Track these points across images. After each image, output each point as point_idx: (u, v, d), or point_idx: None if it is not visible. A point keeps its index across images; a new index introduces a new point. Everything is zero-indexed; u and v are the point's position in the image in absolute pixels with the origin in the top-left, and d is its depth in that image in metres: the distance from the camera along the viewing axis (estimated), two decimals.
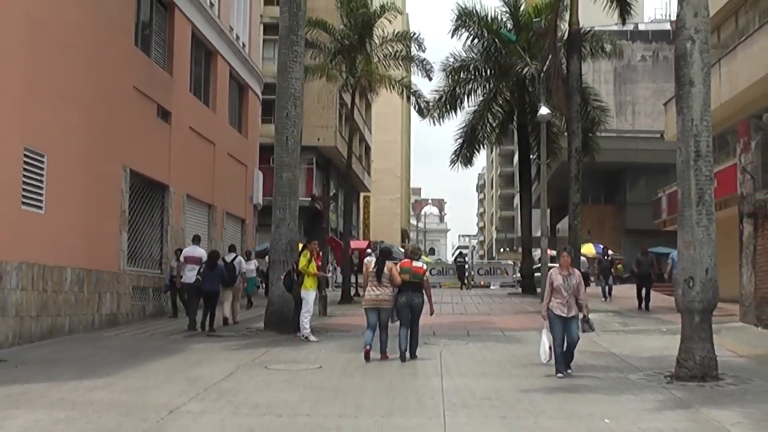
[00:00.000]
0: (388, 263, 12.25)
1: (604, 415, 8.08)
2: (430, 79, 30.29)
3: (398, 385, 9.91)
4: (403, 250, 47.00)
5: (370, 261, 14.95)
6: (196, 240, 18.29)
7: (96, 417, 7.90)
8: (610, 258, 28.23)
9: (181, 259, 17.34)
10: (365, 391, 9.48)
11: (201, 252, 17.20)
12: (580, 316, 10.58)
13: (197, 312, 16.56)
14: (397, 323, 12.20)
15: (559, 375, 10.21)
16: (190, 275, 16.78)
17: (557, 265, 11.04)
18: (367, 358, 11.71)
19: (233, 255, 18.50)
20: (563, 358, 10.35)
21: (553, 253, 39.48)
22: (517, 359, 12.08)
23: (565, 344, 10.46)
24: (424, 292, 12.14)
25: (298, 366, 11.41)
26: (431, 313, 12.41)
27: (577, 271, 10.81)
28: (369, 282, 12.30)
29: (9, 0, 12.90)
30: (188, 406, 8.51)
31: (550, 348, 10.35)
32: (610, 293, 25.15)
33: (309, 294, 14.62)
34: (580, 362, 11.80)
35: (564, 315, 10.31)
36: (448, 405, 8.57)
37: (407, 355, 11.93)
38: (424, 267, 12.58)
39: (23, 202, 13.36)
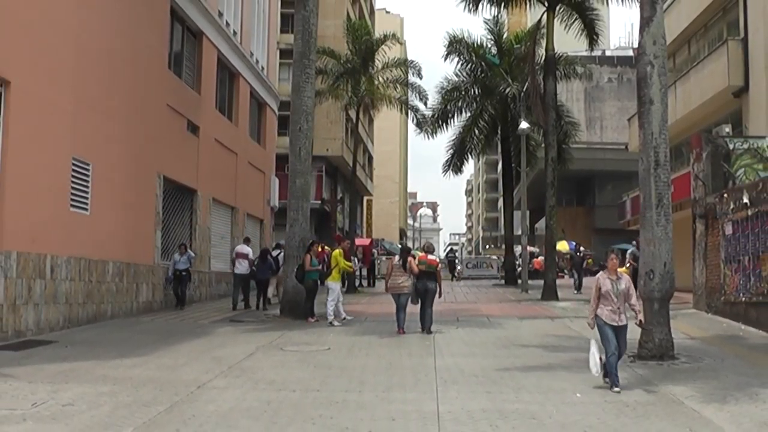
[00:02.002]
0: (409, 258, 13.49)
1: (576, 390, 8.11)
2: (426, 105, 30.48)
3: (397, 364, 9.92)
4: (401, 246, 47.33)
5: (394, 257, 15.48)
6: (246, 240, 20.13)
7: (134, 390, 7.94)
8: (582, 254, 27.97)
9: (233, 254, 19.00)
10: (368, 369, 9.50)
11: (248, 249, 18.85)
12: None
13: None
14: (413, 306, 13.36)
15: (616, 389, 8.01)
16: (241, 267, 18.37)
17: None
18: (399, 333, 12.97)
19: (278, 251, 18.85)
20: (615, 369, 8.21)
21: (532, 249, 39.55)
22: (500, 342, 12.09)
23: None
24: (436, 280, 13.29)
25: (310, 348, 11.42)
26: (440, 296, 13.51)
27: (625, 275, 8.80)
28: (393, 273, 13.47)
29: (61, 30, 12.93)
30: (214, 382, 8.54)
31: (601, 359, 8.22)
32: (580, 285, 24.43)
33: (336, 284, 14.78)
34: (554, 344, 11.85)
35: (615, 323, 8.34)
36: (441, 381, 8.60)
37: (426, 328, 13.14)
38: (437, 260, 13.88)
39: (71, 205, 13.38)
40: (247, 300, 18.45)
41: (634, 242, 25.05)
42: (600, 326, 8.39)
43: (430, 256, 13.45)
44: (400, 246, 46.42)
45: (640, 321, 8.65)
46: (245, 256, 18.57)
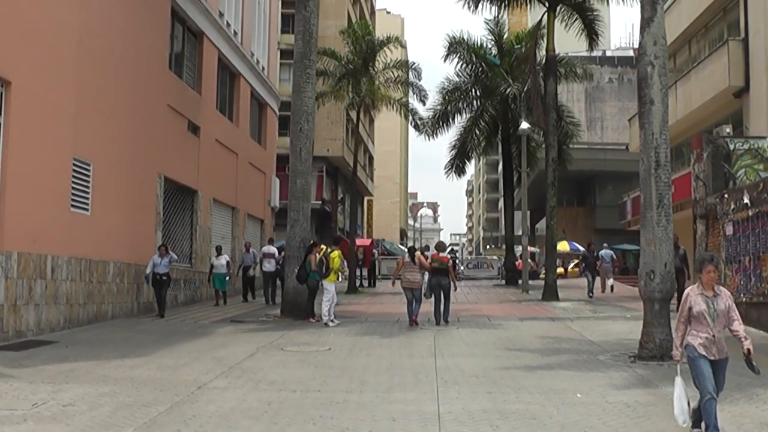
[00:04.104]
0: (417, 253, 14.56)
1: (577, 390, 8.09)
2: (425, 104, 30.45)
3: (397, 364, 9.90)
4: (401, 246, 47.38)
5: (404, 254, 15.90)
6: (271, 241, 21.92)
7: (135, 391, 7.94)
8: (595, 253, 26.96)
9: (261, 254, 20.44)
10: (368, 369, 9.49)
11: (273, 249, 20.21)
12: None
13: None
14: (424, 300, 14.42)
15: None
16: (268, 266, 19.82)
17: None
18: (411, 324, 13.95)
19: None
20: (715, 417, 5.92)
21: (533, 249, 39.51)
22: (501, 342, 12.07)
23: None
24: (449, 275, 14.40)
25: (310, 348, 11.41)
26: (455, 289, 14.74)
27: (724, 289, 6.33)
28: (404, 269, 14.27)
29: (62, 30, 12.94)
30: (215, 382, 8.53)
31: (689, 404, 6.12)
32: (593, 289, 22.68)
33: (331, 285, 14.79)
34: (555, 344, 11.84)
35: (714, 357, 6.05)
36: (441, 382, 8.58)
37: (441, 321, 14.21)
38: (449, 257, 15.16)
39: (72, 205, 13.39)
40: (274, 297, 19.48)
41: (605, 244, 25.02)
42: (693, 359, 6.08)
43: (441, 254, 14.50)
44: (401, 247, 46.62)
45: (748, 350, 5.94)
46: (272, 255, 19.89)
